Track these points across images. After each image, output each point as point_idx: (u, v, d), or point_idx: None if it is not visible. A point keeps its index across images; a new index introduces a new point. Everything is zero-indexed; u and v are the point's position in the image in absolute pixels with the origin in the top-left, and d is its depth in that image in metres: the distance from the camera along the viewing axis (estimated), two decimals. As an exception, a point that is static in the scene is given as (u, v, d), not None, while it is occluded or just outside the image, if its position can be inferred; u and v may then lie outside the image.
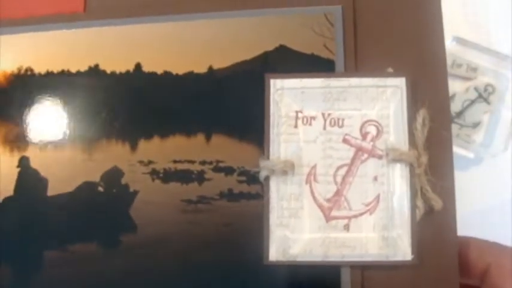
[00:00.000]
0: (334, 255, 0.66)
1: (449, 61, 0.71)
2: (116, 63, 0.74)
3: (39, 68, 0.75)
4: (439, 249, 0.66)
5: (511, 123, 0.71)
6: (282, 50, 0.73)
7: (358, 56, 0.71)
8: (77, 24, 0.76)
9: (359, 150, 0.68)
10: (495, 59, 0.73)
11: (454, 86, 0.71)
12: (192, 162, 0.71)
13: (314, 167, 0.68)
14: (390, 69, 0.70)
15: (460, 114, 0.69)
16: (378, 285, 0.66)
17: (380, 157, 0.67)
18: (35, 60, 0.75)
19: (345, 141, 0.68)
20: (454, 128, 0.70)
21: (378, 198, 0.67)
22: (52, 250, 0.70)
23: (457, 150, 0.69)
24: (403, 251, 0.65)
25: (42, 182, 0.72)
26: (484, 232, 0.68)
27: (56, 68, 0.75)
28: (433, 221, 0.66)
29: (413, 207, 0.66)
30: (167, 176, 0.71)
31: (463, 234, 0.65)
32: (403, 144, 0.67)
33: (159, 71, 0.74)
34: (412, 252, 0.65)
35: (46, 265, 0.70)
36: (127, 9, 0.76)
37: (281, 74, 0.70)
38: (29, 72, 0.75)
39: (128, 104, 0.74)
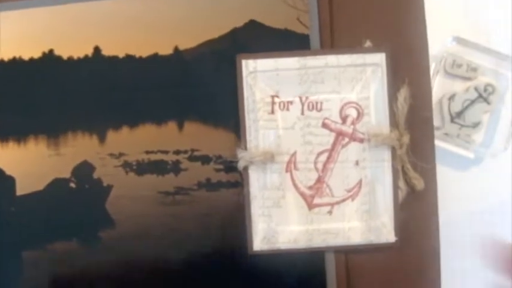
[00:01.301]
0: (318, 242, 0.66)
1: (449, 61, 0.69)
2: (73, 47, 0.68)
3: (-13, 56, 0.69)
4: (421, 229, 0.66)
5: (511, 123, 0.70)
6: (252, 25, 0.67)
7: (334, 30, 0.67)
8: (24, 4, 0.68)
9: (339, 134, 0.66)
10: (495, 59, 0.70)
11: (454, 86, 0.68)
12: (165, 152, 0.68)
13: (294, 154, 0.66)
14: (369, 43, 0.66)
15: (460, 114, 0.67)
16: (363, 267, 0.67)
17: (361, 141, 0.66)
18: (-19, 47, 0.69)
19: (324, 125, 0.66)
20: (454, 128, 0.68)
21: (360, 183, 0.66)
22: (30, 250, 0.68)
23: (457, 150, 0.68)
24: (386, 235, 0.65)
25: (8, 181, 0.68)
26: (484, 232, 0.69)
27: (6, 55, 0.68)
28: (415, 201, 0.66)
29: (396, 189, 0.65)
30: (141, 168, 0.68)
31: (463, 234, 0.66)
32: (385, 126, 0.65)
33: (121, 54, 0.68)
34: (396, 235, 0.65)
35: (26, 265, 0.68)
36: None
37: (253, 53, 0.66)
38: (-25, 61, 0.69)
39: (90, 91, 0.69)
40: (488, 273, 0.68)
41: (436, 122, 0.70)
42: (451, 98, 0.68)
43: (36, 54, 0.68)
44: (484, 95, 0.69)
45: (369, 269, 0.66)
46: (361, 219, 0.66)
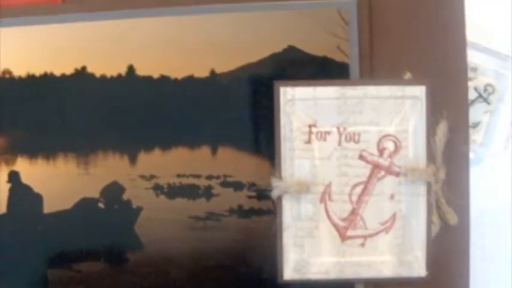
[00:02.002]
0: (349, 274, 0.65)
1: None
2: (106, 65, 0.67)
3: (19, 71, 0.67)
4: (453, 264, 0.66)
5: (511, 123, 0.69)
6: (291, 51, 0.66)
7: (374, 59, 0.66)
8: (57, 18, 0.66)
9: (376, 167, 0.65)
10: (495, 59, 0.69)
11: None
12: (197, 176, 0.67)
13: (329, 185, 0.65)
14: (409, 75, 0.65)
15: None
16: (392, 299, 0.66)
17: (397, 174, 0.65)
18: (12, 61, 0.67)
19: (361, 157, 0.65)
20: None
21: (394, 217, 0.65)
22: (56, 269, 0.68)
23: None
24: (417, 269, 0.65)
25: (36, 199, 0.67)
26: (484, 232, 0.69)
27: (37, 71, 0.67)
28: (448, 236, 0.66)
29: (429, 224, 0.65)
30: (172, 192, 0.67)
31: None
32: (422, 160, 0.64)
33: (155, 75, 0.67)
34: (427, 269, 0.65)
35: (51, 284, 0.67)
36: (114, 1, 0.66)
37: (292, 81, 0.65)
38: (7, 75, 0.67)
39: (122, 111, 0.67)
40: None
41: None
42: None
43: (69, 70, 0.67)
44: (484, 95, 0.69)
45: (399, 302, 0.66)
46: (393, 252, 0.65)
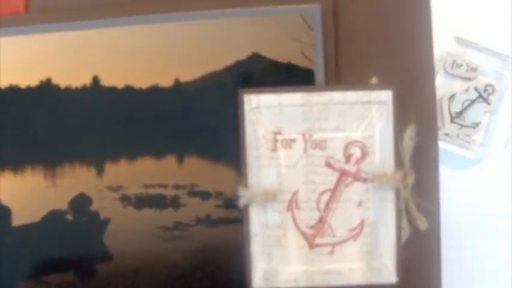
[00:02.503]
0: (319, 282, 0.65)
1: (449, 61, 0.67)
2: (71, 76, 0.66)
3: (-17, 84, 0.67)
4: (423, 270, 0.65)
5: (511, 123, 0.68)
6: (255, 58, 0.65)
7: (340, 65, 0.65)
8: (21, 30, 0.66)
9: (343, 174, 0.64)
10: (495, 59, 0.68)
11: (454, 86, 0.67)
12: (164, 186, 0.67)
13: (296, 193, 0.65)
14: (375, 80, 0.64)
15: (460, 114, 0.66)
16: (363, 306, 0.66)
17: (365, 181, 0.64)
18: (-24, 74, 0.67)
19: (327, 165, 0.64)
20: (454, 128, 0.67)
21: (362, 223, 0.64)
22: (26, 281, 0.67)
23: (457, 150, 0.67)
24: (387, 276, 0.64)
25: (4, 212, 0.67)
26: (484, 232, 0.68)
27: (2, 83, 0.67)
28: (418, 241, 0.65)
29: (399, 230, 0.64)
30: (139, 202, 0.67)
31: (463, 234, 0.64)
32: (389, 166, 0.63)
33: (120, 85, 0.66)
34: (397, 276, 0.64)
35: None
36: (76, 11, 0.66)
37: (256, 88, 0.64)
38: (-29, 88, 0.67)
39: (88, 122, 0.67)
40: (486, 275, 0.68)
41: (436, 122, 0.69)
42: (451, 98, 0.66)
43: (34, 82, 0.66)
44: (484, 95, 0.68)
45: (370, 309, 0.65)
46: (362, 259, 0.65)
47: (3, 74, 0.67)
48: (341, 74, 0.65)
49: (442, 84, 0.66)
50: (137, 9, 0.66)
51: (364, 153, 0.64)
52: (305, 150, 0.64)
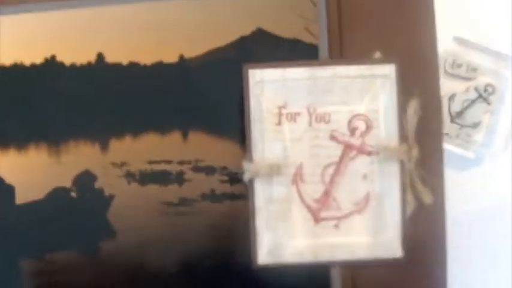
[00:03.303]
0: (324, 256, 0.64)
1: (449, 61, 0.68)
2: (75, 53, 0.67)
3: (-12, 61, 0.67)
4: (428, 243, 0.65)
5: (511, 123, 0.69)
6: (259, 34, 0.66)
7: (344, 40, 0.65)
8: (26, 7, 0.66)
9: (347, 147, 0.64)
10: (495, 59, 0.69)
11: (454, 86, 0.67)
12: (169, 162, 0.67)
13: (300, 166, 0.65)
14: (378, 54, 0.64)
15: (460, 114, 0.66)
16: (369, 281, 0.65)
17: (370, 153, 0.64)
18: (-19, 51, 0.67)
19: (332, 138, 0.64)
20: (454, 128, 0.67)
21: (367, 196, 0.64)
22: (28, 260, 0.67)
23: (457, 150, 0.67)
24: (393, 250, 0.64)
25: (8, 190, 0.67)
26: (484, 232, 0.68)
27: (7, 61, 0.67)
28: (423, 215, 0.65)
29: (404, 203, 0.64)
30: (144, 178, 0.67)
31: (463, 234, 0.65)
32: (394, 139, 0.64)
33: (124, 62, 0.67)
34: (403, 249, 0.64)
35: (24, 275, 0.67)
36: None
37: (260, 63, 0.64)
38: (-24, 66, 0.67)
39: (93, 99, 0.67)
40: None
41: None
42: (451, 98, 0.66)
43: (38, 59, 0.67)
44: (484, 95, 0.68)
45: (375, 283, 0.65)
46: (368, 233, 0.64)
47: (8, 51, 0.67)
48: (345, 49, 0.65)
49: (442, 84, 0.67)
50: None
51: (369, 127, 0.64)
52: (310, 124, 0.64)
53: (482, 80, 0.69)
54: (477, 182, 0.68)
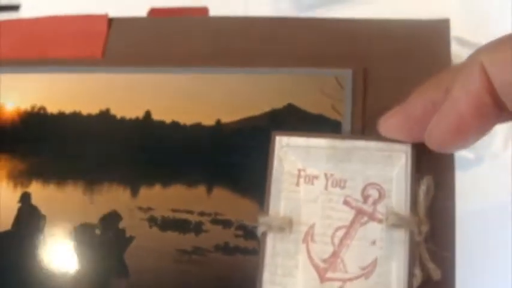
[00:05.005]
0: (326, 317, 0.64)
1: None
2: (127, 109, 0.75)
3: (52, 108, 0.77)
4: (435, 321, 0.64)
5: (511, 123, 0.69)
6: (290, 108, 0.73)
7: (366, 120, 0.71)
8: (92, 69, 0.77)
9: (359, 212, 0.67)
10: None
11: None
12: (191, 212, 0.71)
13: (312, 226, 0.67)
14: (396, 135, 0.70)
15: None
16: None
17: (380, 221, 0.66)
18: (48, 99, 0.77)
19: (345, 202, 0.67)
20: None
21: (375, 262, 0.65)
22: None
23: None
24: (397, 319, 0.63)
25: (40, 219, 0.72)
26: (483, 232, 0.66)
27: (67, 109, 0.76)
28: (431, 289, 0.64)
29: (411, 275, 0.64)
30: (165, 224, 0.70)
31: (463, 235, 0.63)
32: (404, 210, 0.66)
33: (168, 120, 0.74)
34: (407, 321, 0.63)
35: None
36: (143, 59, 0.77)
37: (287, 131, 0.70)
38: (41, 111, 0.77)
39: (134, 150, 0.74)
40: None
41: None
42: None
43: (94, 111, 0.76)
44: None
45: None
46: (372, 300, 0.64)
47: (71, 102, 0.77)
48: (367, 128, 0.71)
49: None
50: (191, 61, 0.76)
51: (381, 196, 0.67)
52: (326, 188, 0.68)
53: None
54: (477, 182, 0.67)
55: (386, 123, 0.66)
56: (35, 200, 0.73)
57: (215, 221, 0.70)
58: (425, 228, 0.66)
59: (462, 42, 0.73)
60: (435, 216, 0.66)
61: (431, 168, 0.68)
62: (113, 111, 0.76)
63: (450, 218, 0.67)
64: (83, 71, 0.78)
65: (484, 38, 0.76)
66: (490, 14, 0.74)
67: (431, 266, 0.65)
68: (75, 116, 0.76)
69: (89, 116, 0.76)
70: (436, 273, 0.65)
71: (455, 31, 0.71)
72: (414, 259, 0.65)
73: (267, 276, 0.66)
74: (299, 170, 0.69)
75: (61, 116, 0.76)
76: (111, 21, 0.80)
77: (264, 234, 0.67)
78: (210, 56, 0.76)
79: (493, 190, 0.70)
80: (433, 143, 0.60)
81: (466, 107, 0.52)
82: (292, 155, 0.69)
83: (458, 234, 0.66)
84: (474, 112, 0.52)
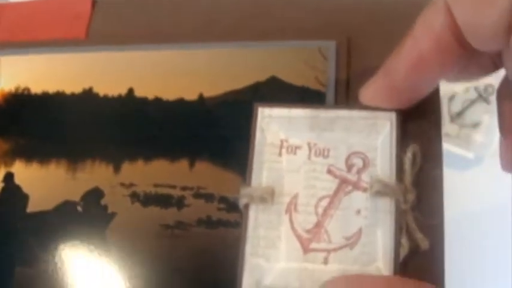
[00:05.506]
0: (310, 285, 0.62)
1: None
2: (109, 87, 0.75)
3: (36, 88, 0.76)
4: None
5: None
6: (273, 80, 0.72)
7: (350, 91, 0.70)
8: (75, 49, 0.77)
9: (343, 182, 0.65)
10: None
11: (454, 86, 0.69)
12: (173, 187, 0.69)
13: (295, 196, 0.65)
14: (381, 104, 0.68)
15: (460, 114, 0.66)
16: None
17: (365, 190, 0.65)
18: (32, 80, 0.77)
19: (329, 172, 0.66)
20: (454, 128, 0.67)
21: (360, 232, 0.63)
22: (24, 267, 0.68)
23: (457, 150, 0.66)
24: None
25: (23, 198, 0.71)
26: (483, 232, 0.64)
27: (51, 89, 0.76)
28: (418, 261, 0.62)
29: (397, 244, 0.62)
30: (147, 199, 0.69)
31: (463, 235, 0.61)
32: (390, 178, 0.64)
33: (150, 97, 0.74)
34: None
35: (18, 282, 0.68)
36: (126, 38, 0.77)
37: (270, 103, 0.69)
38: (25, 92, 0.76)
39: (117, 127, 0.73)
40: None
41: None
42: (451, 98, 0.65)
43: (77, 90, 0.75)
44: (484, 95, 0.67)
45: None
46: (358, 270, 0.62)
47: (53, 82, 0.76)
48: (350, 98, 0.70)
49: (442, 84, 0.67)
50: (176, 38, 0.76)
51: (366, 164, 0.65)
52: (309, 157, 0.67)
53: (482, 80, 0.69)
54: (477, 182, 0.65)
55: (367, 91, 0.65)
56: (18, 180, 0.72)
57: (197, 195, 0.69)
58: (411, 196, 0.64)
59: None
60: (423, 186, 0.64)
61: (418, 137, 0.66)
62: (96, 90, 0.75)
63: (438, 187, 0.65)
64: (66, 51, 0.77)
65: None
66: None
67: (419, 235, 0.63)
68: (59, 96, 0.75)
69: (73, 95, 0.75)
70: (424, 243, 0.63)
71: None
72: (400, 228, 0.63)
73: (249, 248, 0.64)
74: (281, 141, 0.68)
75: (45, 96, 0.76)
76: (94, 2, 0.80)
77: (246, 205, 0.65)
78: (192, 32, 0.76)
79: (493, 190, 0.68)
80: (396, 79, 0.60)
81: (428, 43, 0.52)
82: (274, 125, 0.68)
83: (459, 234, 0.64)
84: (435, 48, 0.52)
